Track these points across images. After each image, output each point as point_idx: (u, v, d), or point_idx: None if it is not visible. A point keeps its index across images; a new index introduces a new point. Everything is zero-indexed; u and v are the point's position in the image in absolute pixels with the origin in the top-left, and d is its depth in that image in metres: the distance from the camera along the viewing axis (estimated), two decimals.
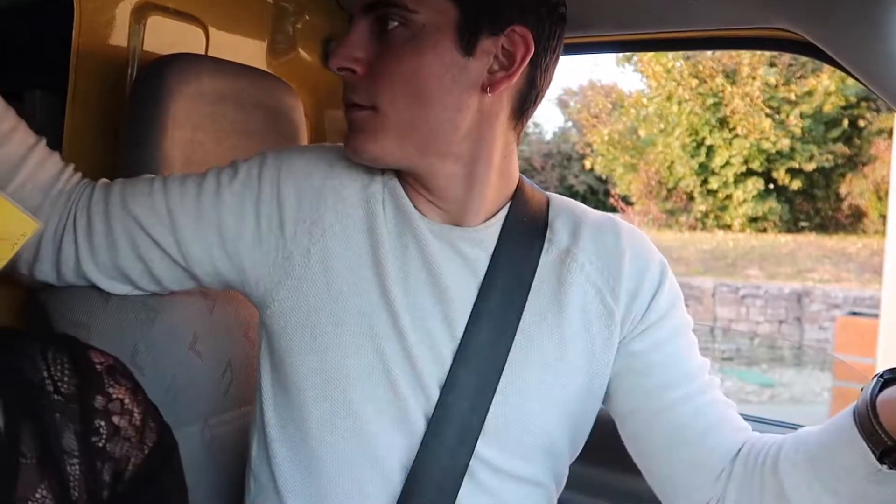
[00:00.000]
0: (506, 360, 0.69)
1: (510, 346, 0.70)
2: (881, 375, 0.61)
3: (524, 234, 0.73)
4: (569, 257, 0.73)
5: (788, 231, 13.01)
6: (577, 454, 0.79)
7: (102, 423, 0.45)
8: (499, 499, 0.70)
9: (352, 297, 0.69)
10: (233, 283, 0.75)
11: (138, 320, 0.79)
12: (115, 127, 0.89)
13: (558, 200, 0.79)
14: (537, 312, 0.71)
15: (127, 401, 0.47)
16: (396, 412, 0.68)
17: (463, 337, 0.69)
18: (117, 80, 0.90)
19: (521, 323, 0.70)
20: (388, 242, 0.71)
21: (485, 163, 0.71)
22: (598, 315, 0.72)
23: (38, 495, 0.40)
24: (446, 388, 0.68)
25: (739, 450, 0.70)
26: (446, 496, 0.67)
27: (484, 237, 0.72)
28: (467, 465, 0.68)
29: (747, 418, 1.11)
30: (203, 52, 1.01)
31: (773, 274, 10.13)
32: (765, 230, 12.96)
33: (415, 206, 0.72)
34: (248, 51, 1.11)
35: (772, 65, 12.61)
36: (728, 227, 13.25)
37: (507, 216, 0.73)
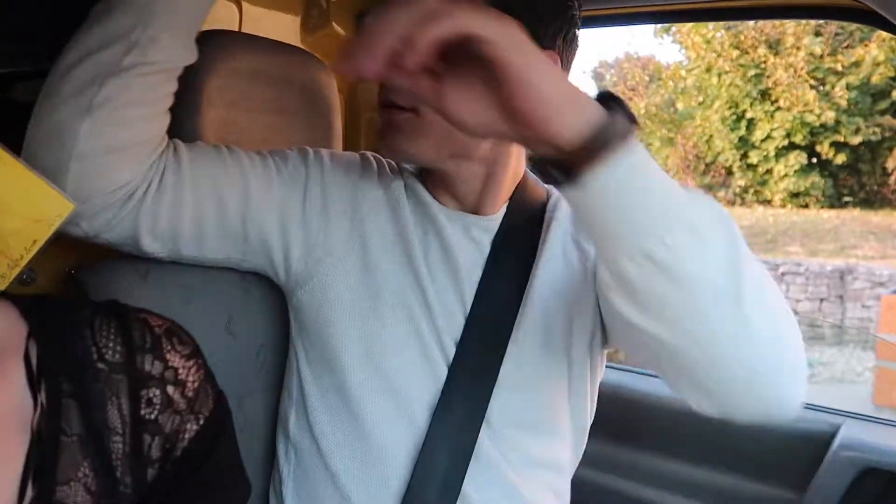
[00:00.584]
0: (512, 327, 0.77)
1: (515, 316, 0.77)
2: None
3: (525, 218, 0.82)
4: (559, 227, 0.82)
5: (832, 206, 12.65)
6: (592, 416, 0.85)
7: (156, 393, 0.43)
8: (514, 443, 0.77)
9: (388, 273, 0.78)
10: (269, 261, 0.80)
11: (174, 299, 0.79)
12: None
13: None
14: (546, 284, 0.78)
15: (182, 369, 0.45)
16: (425, 372, 0.76)
17: (471, 310, 0.77)
18: None
19: (528, 294, 0.78)
20: (412, 228, 0.80)
21: (503, 164, 0.80)
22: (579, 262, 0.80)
23: (80, 474, 0.39)
24: (459, 350, 0.76)
25: None
26: (467, 436, 0.75)
27: (493, 224, 0.81)
28: (484, 412, 0.75)
29: None
30: (237, 28, 0.99)
31: (815, 251, 9.88)
32: (807, 206, 12.62)
33: (434, 197, 0.82)
34: (282, 26, 1.09)
35: (817, 34, 12.17)
36: (768, 202, 12.94)
37: (509, 205, 0.82)
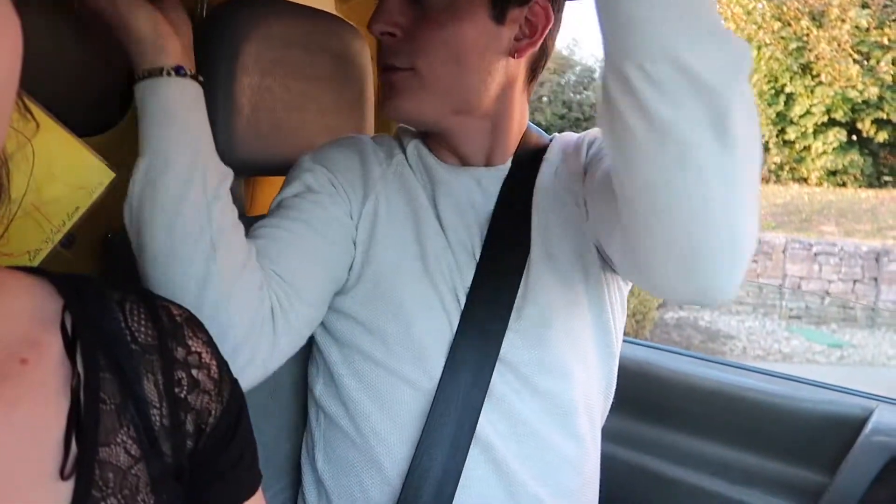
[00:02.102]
0: (523, 266, 0.78)
1: (527, 255, 0.78)
2: None
3: (529, 166, 0.83)
4: (550, 166, 0.84)
5: (870, 186, 12.33)
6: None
7: (183, 375, 0.45)
8: (526, 382, 0.77)
9: (409, 227, 0.80)
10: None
11: None
12: None
13: (563, 136, 0.89)
14: (545, 218, 0.80)
15: (204, 354, 0.47)
16: (441, 323, 0.77)
17: (482, 253, 0.78)
18: None
19: (533, 232, 0.79)
20: (422, 187, 0.82)
21: (507, 118, 0.81)
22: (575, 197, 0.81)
23: (119, 439, 0.41)
24: (470, 296, 0.77)
25: None
26: (482, 378, 0.75)
27: (501, 173, 0.82)
28: (497, 353, 0.75)
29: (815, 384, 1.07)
30: None
31: (851, 231, 9.67)
32: (844, 184, 12.33)
33: (439, 159, 0.83)
34: None
35: (864, 6, 11.75)
36: (804, 180, 12.66)
37: (515, 155, 0.84)
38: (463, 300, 0.77)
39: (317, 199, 0.78)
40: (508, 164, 0.83)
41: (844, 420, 1.01)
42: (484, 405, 0.75)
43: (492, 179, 0.82)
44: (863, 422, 1.00)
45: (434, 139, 0.84)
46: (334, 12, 1.09)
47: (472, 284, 0.77)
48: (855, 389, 1.05)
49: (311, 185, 0.79)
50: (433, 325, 0.76)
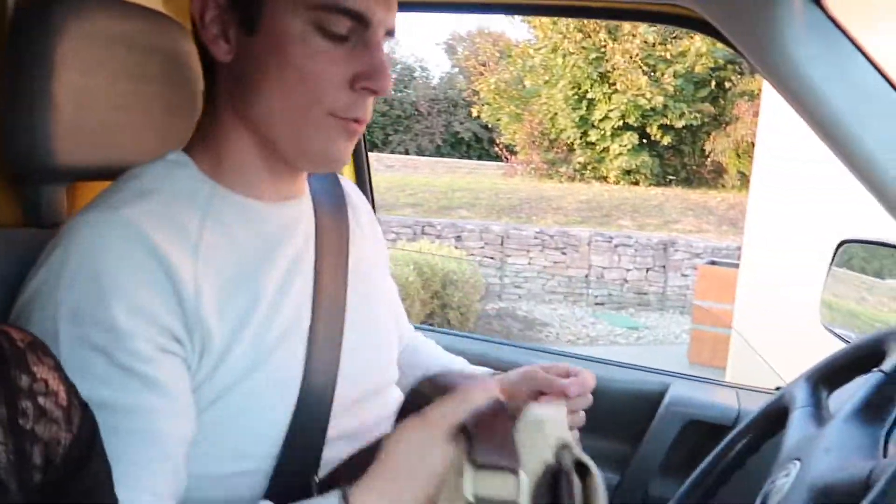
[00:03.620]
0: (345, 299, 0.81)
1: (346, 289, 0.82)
2: None
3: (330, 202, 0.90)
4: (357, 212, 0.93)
5: (658, 184, 13.85)
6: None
7: (28, 405, 0.42)
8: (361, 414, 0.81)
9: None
10: None
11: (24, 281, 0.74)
12: None
13: None
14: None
15: (51, 380, 0.44)
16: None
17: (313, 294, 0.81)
18: None
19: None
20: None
21: None
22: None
23: None
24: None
25: None
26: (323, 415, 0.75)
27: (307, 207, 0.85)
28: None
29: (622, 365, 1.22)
30: None
31: (643, 224, 10.80)
32: (637, 183, 13.73)
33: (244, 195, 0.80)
34: None
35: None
36: (604, 178, 13.91)
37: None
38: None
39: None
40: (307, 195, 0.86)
41: (647, 395, 1.16)
42: None
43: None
44: (662, 395, 1.15)
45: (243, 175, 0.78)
46: (161, 8, 1.04)
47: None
48: (655, 368, 1.21)
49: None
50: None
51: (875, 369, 0.72)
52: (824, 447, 0.65)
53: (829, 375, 0.80)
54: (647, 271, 9.48)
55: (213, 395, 0.68)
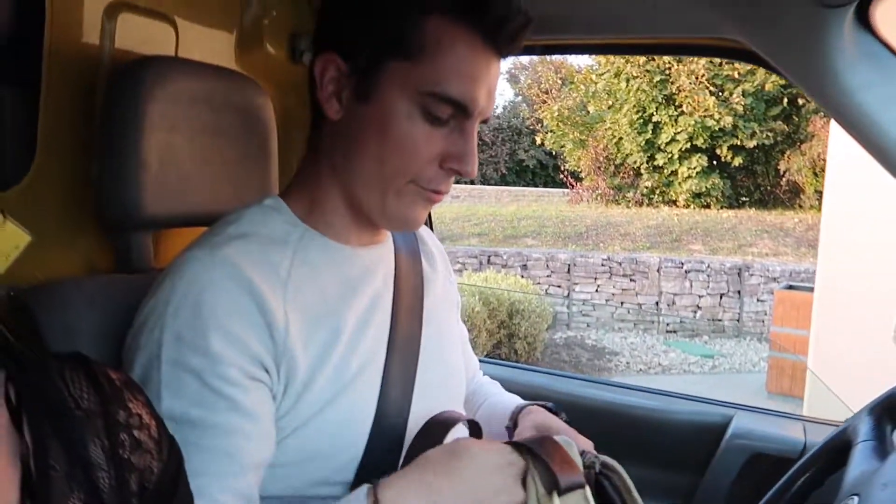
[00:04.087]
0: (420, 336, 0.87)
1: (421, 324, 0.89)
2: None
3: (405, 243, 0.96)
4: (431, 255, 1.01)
5: (730, 206, 13.45)
6: None
7: (125, 437, 0.48)
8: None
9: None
10: None
11: (122, 322, 0.81)
12: (88, 127, 0.90)
13: None
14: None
15: (144, 414, 0.50)
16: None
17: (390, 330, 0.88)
18: (90, 78, 0.91)
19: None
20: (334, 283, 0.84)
21: None
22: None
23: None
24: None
25: None
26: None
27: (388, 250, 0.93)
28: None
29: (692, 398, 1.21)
30: (173, 49, 1.02)
31: (716, 248, 10.50)
32: (708, 206, 13.37)
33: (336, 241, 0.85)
34: (217, 46, 1.12)
35: None
36: (673, 202, 13.61)
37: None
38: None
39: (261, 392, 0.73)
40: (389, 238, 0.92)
41: (709, 427, 1.15)
42: None
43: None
44: (724, 427, 1.14)
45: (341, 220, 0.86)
46: (235, 66, 1.13)
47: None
48: (716, 399, 1.20)
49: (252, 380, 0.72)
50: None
51: None
52: (882, 482, 0.64)
53: (893, 408, 0.79)
54: (720, 297, 9.18)
55: (297, 423, 0.74)
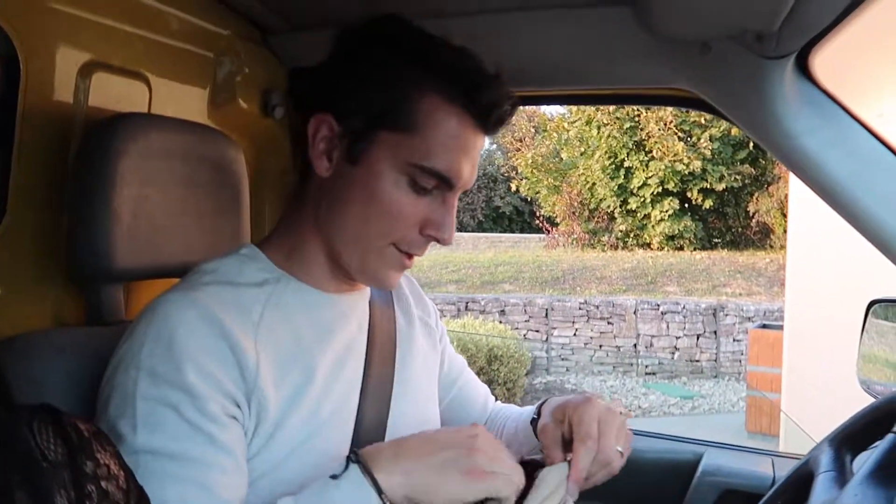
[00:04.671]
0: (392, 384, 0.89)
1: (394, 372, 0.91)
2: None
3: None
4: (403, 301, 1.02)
5: (703, 248, 13.67)
6: None
7: (93, 488, 0.48)
8: None
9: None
10: None
11: (93, 371, 0.81)
12: (61, 182, 0.92)
13: None
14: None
15: (112, 465, 0.50)
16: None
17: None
18: (64, 135, 0.93)
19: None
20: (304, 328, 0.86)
21: None
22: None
23: None
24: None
25: None
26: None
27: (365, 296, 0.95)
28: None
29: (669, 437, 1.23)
30: (146, 106, 1.04)
31: (690, 290, 10.62)
32: (681, 248, 13.58)
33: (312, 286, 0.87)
34: (190, 102, 1.15)
35: None
36: (647, 245, 13.81)
37: None
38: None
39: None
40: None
41: (681, 464, 1.17)
42: None
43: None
44: (696, 464, 1.16)
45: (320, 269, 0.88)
46: (208, 120, 1.16)
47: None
48: (685, 437, 1.22)
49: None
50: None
51: (891, 431, 0.74)
52: None
53: (850, 438, 0.82)
54: (697, 338, 9.25)
55: (270, 464, 0.75)
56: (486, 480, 0.71)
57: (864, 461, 0.72)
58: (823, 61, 0.97)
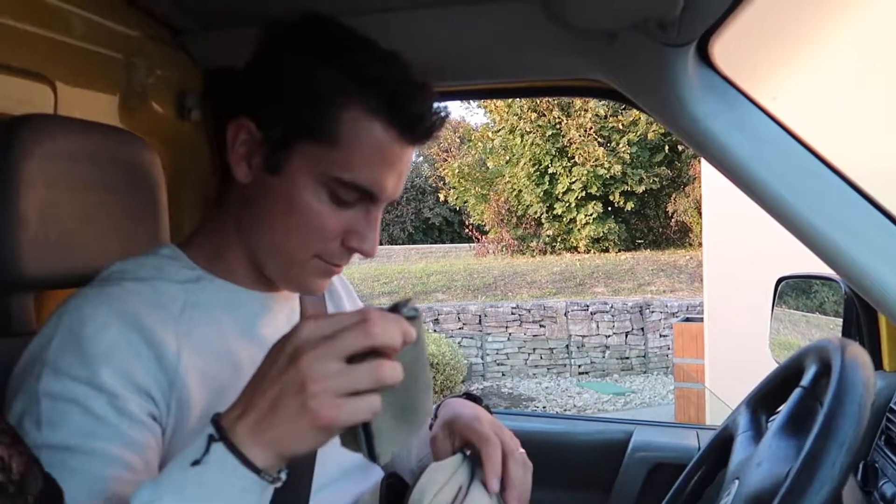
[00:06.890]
0: None
1: None
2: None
3: None
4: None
5: (627, 249, 14.12)
6: None
7: None
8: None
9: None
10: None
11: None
12: None
13: None
14: None
15: (5, 457, 0.47)
16: None
17: None
18: None
19: None
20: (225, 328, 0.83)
21: None
22: None
23: None
24: None
25: None
26: None
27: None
28: None
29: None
30: (52, 110, 1.00)
31: (617, 290, 10.93)
32: (607, 249, 13.98)
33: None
34: (100, 107, 1.11)
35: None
36: (574, 248, 14.15)
37: None
38: None
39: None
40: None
41: (612, 443, 1.20)
42: None
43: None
44: (626, 442, 1.19)
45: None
46: (120, 124, 1.12)
47: None
48: (616, 417, 1.25)
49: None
50: None
51: (799, 385, 0.78)
52: (756, 462, 0.70)
53: (765, 399, 0.86)
54: (626, 335, 9.53)
55: None
56: (336, 419, 0.53)
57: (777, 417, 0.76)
58: (722, 49, 1.02)
